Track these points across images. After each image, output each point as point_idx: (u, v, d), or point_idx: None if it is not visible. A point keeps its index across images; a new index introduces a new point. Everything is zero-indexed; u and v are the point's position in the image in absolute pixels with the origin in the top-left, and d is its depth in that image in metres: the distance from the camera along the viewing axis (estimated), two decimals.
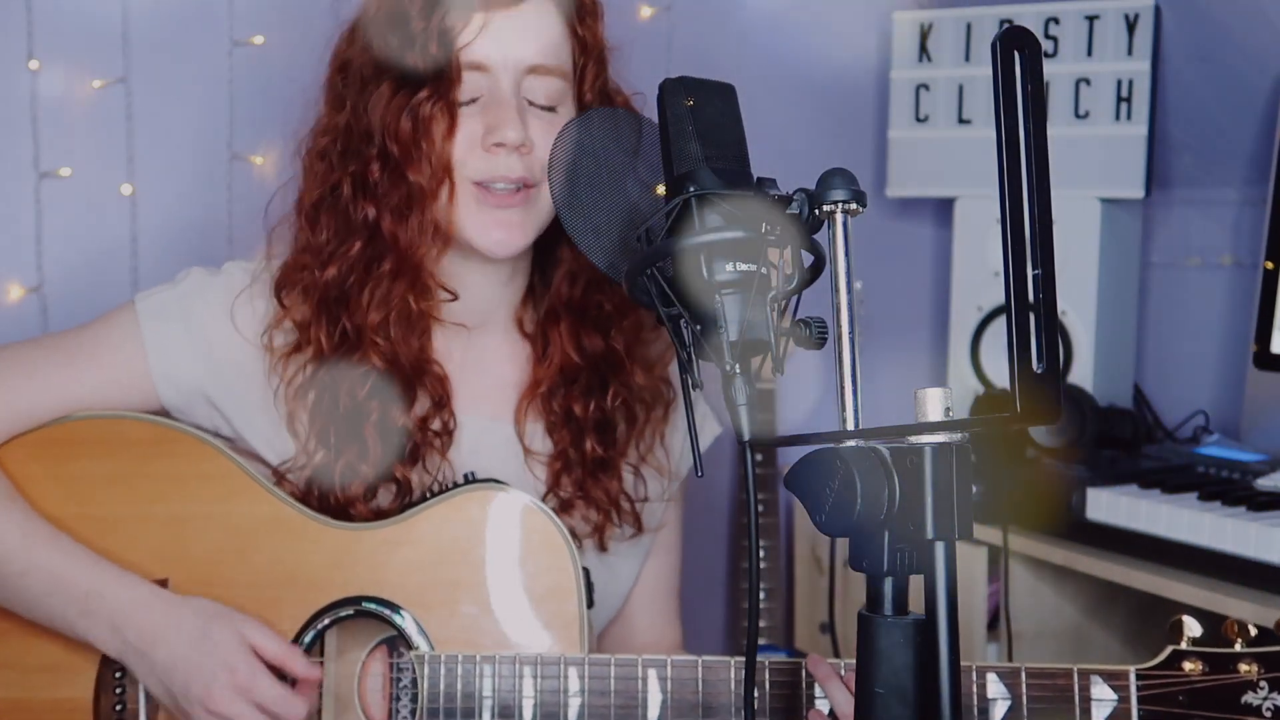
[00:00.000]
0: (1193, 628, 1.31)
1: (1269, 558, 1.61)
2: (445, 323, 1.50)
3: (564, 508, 1.52)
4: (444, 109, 1.40)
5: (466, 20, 1.39)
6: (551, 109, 1.44)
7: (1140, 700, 1.30)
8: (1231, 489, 1.77)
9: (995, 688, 1.32)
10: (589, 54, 1.47)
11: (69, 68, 1.92)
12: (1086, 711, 1.31)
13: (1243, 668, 1.28)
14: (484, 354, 1.55)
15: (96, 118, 1.94)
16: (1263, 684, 1.27)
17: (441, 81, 1.39)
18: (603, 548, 1.55)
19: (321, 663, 1.47)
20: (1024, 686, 1.32)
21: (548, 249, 1.52)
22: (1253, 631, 1.29)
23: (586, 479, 1.53)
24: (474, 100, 1.41)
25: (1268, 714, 1.26)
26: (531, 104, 1.43)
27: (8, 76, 1.89)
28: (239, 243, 2.01)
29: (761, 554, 2.30)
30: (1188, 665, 1.30)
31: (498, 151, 1.40)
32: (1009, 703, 1.32)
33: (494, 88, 1.41)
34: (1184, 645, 1.31)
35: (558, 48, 1.44)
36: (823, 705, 1.35)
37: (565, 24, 1.45)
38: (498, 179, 1.41)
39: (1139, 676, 1.31)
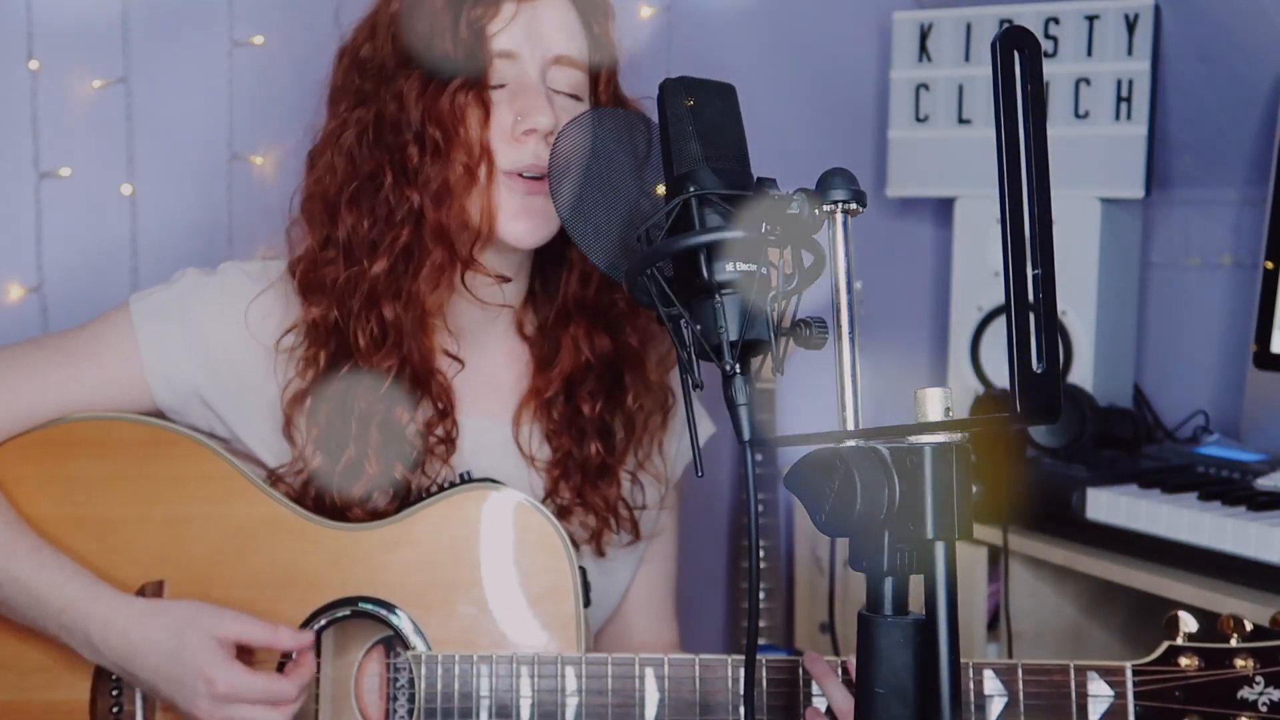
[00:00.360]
0: (1188, 623, 1.31)
1: (1269, 557, 1.61)
2: (491, 306, 1.49)
3: (562, 514, 1.51)
4: (477, 96, 1.41)
5: (497, 9, 1.41)
6: (577, 97, 1.45)
7: (1136, 696, 1.30)
8: (1231, 489, 1.77)
9: (992, 684, 1.32)
10: (603, 54, 1.48)
11: (69, 68, 1.92)
12: (1083, 708, 1.31)
13: (1239, 663, 1.27)
14: (484, 356, 1.55)
15: (96, 118, 1.94)
16: (1259, 679, 1.27)
17: (473, 69, 1.40)
18: (600, 553, 1.55)
19: (317, 654, 1.47)
20: (1020, 683, 1.32)
21: (552, 251, 1.52)
22: (1248, 626, 1.29)
23: (585, 485, 1.52)
24: (501, 86, 1.42)
25: (1264, 708, 1.26)
26: (556, 92, 1.44)
27: (8, 76, 1.89)
28: (239, 243, 2.01)
29: (761, 554, 2.30)
30: (1184, 661, 1.29)
31: (526, 140, 1.41)
32: (1005, 699, 1.32)
33: (522, 75, 1.42)
34: (1180, 641, 1.30)
35: (580, 42, 1.46)
36: (820, 703, 1.35)
37: (583, 22, 1.47)
38: (527, 166, 1.42)
39: (1135, 672, 1.31)
